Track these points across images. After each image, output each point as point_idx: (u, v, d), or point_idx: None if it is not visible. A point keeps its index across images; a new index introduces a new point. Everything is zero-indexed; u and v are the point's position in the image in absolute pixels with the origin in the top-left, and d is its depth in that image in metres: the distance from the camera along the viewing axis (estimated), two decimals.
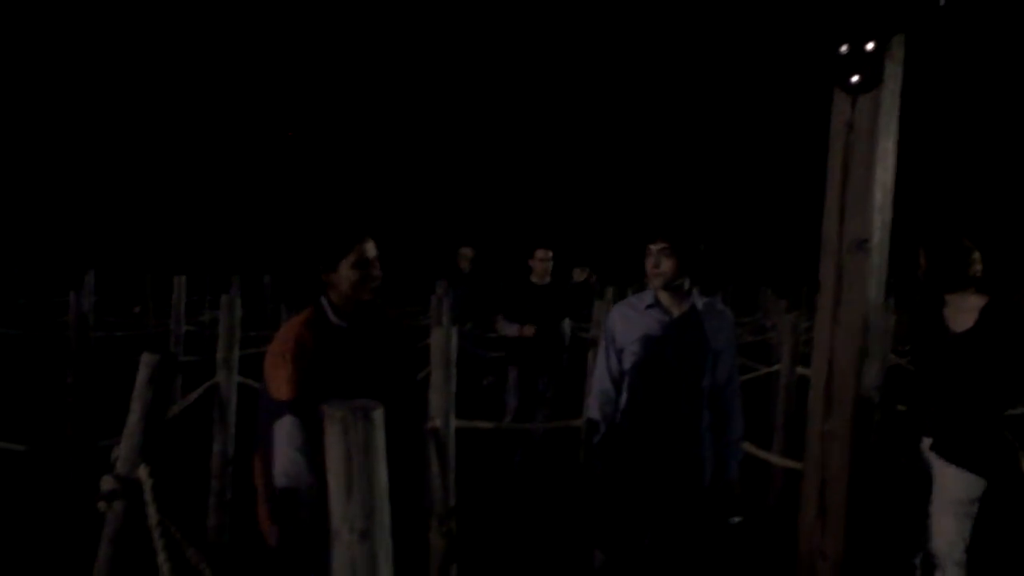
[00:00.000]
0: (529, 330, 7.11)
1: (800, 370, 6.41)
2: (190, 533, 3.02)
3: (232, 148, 31.21)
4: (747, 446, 5.85)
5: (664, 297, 3.78)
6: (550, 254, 7.42)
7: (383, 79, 32.39)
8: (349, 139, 32.60)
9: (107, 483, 2.91)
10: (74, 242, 25.76)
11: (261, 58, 30.63)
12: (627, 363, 3.77)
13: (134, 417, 2.94)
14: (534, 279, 7.41)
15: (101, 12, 28.14)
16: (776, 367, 7.47)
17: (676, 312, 3.76)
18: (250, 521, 5.60)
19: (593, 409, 3.86)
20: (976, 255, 4.01)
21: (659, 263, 3.70)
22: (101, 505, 2.97)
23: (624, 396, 3.80)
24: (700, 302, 3.80)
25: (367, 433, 1.50)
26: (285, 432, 2.70)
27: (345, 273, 2.89)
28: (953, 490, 3.92)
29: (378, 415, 1.51)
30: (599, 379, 3.86)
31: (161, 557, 2.84)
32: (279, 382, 2.74)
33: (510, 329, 7.23)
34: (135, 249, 26.92)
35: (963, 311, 4.00)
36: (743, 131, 33.53)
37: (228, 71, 30.34)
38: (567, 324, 7.51)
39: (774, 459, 6.10)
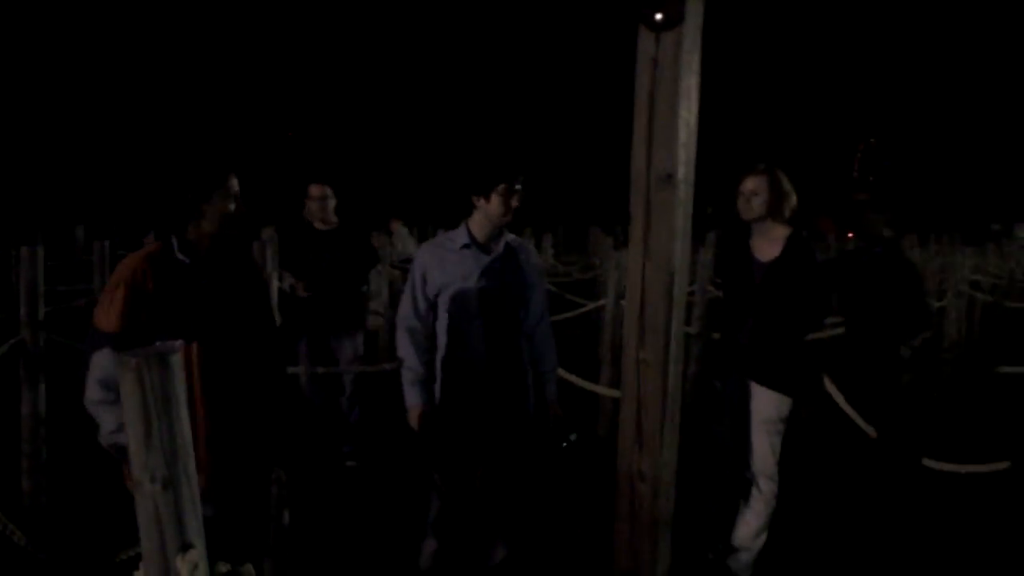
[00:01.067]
0: (301, 288, 5.88)
1: (624, 304, 6.65)
2: (2, 498, 2.85)
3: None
4: (576, 379, 6.04)
5: (484, 236, 3.79)
6: (327, 190, 6.10)
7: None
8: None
9: None
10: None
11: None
12: (445, 303, 3.77)
13: None
14: (316, 224, 6.13)
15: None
16: (602, 302, 7.71)
17: (495, 250, 3.80)
18: (68, 482, 5.36)
19: (404, 346, 3.84)
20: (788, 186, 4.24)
21: (515, 201, 3.75)
22: None
23: (443, 338, 3.81)
24: (511, 239, 3.87)
25: (164, 379, 1.44)
26: (99, 364, 2.57)
27: (217, 205, 2.77)
28: (763, 410, 4.18)
29: (175, 360, 1.45)
30: (405, 317, 3.84)
31: None
32: (105, 313, 2.60)
33: (284, 285, 5.96)
34: None
35: (769, 241, 4.24)
36: (566, 74, 34.18)
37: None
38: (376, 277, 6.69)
39: (601, 390, 6.33)
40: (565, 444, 3.83)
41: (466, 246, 3.78)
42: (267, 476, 3.01)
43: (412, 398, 3.80)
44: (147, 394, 1.43)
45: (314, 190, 6.08)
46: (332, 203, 6.12)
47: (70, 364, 2.85)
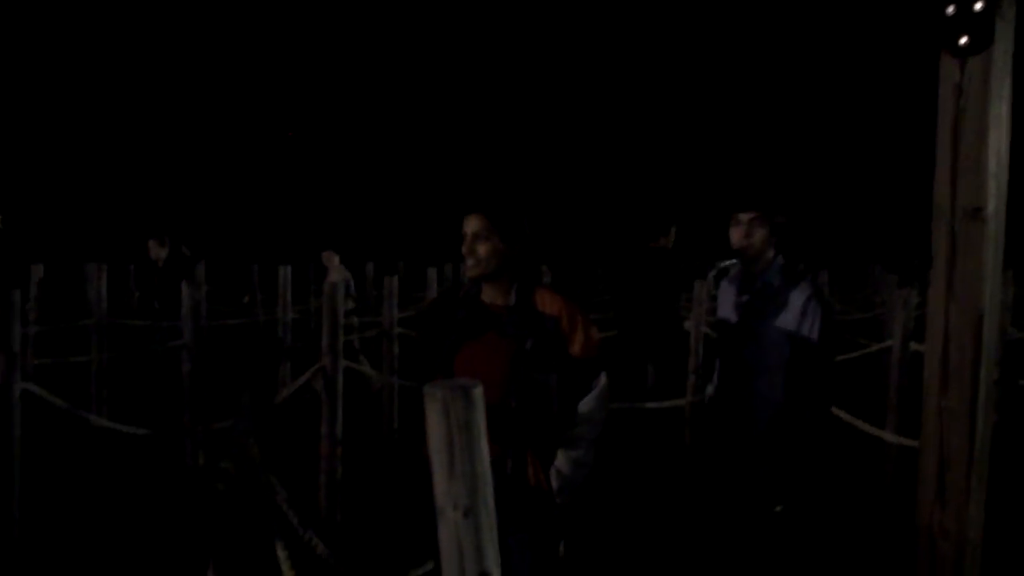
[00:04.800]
0: None
1: (914, 345, 6.20)
2: (303, 512, 3.13)
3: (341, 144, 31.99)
4: (862, 423, 5.70)
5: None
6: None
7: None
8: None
9: (223, 463, 3.04)
10: (185, 236, 26.65)
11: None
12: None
13: (246, 401, 3.06)
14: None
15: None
16: (888, 343, 7.23)
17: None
18: (360, 499, 5.78)
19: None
20: None
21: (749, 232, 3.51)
22: (219, 485, 3.10)
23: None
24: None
25: (467, 412, 1.51)
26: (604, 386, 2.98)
27: None
28: None
29: (478, 393, 1.53)
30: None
31: (275, 533, 2.95)
32: (595, 342, 2.97)
33: None
34: (240, 241, 27.81)
35: None
36: (846, 105, 32.43)
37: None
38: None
39: (888, 436, 5.94)
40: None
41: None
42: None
43: None
44: (451, 425, 1.52)
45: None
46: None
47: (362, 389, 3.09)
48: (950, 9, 2.16)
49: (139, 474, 6.33)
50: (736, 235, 3.48)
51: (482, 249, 2.93)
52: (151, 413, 7.79)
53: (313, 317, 13.38)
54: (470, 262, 2.96)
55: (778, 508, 3.43)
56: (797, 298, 3.39)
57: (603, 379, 3.02)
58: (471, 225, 2.95)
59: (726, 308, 3.58)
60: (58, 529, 5.20)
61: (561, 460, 2.93)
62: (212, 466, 2.81)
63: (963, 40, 2.16)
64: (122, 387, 8.71)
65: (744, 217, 3.45)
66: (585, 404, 2.97)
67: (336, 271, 11.25)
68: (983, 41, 2.14)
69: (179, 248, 9.42)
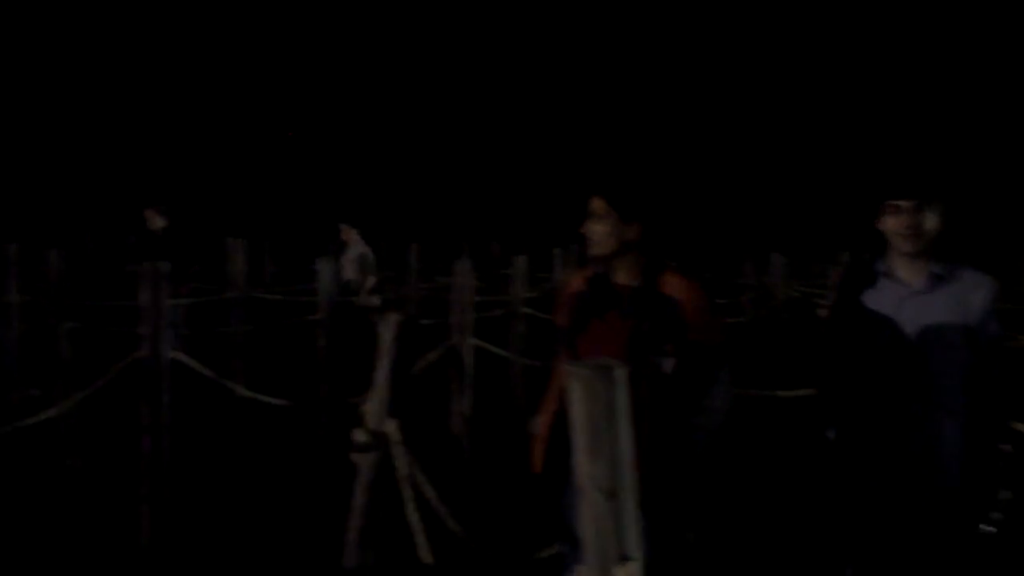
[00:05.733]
0: None
1: None
2: (434, 486, 3.17)
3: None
4: None
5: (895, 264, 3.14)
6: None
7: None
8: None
9: (359, 436, 3.12)
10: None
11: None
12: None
13: (381, 374, 3.12)
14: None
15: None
16: None
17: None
18: (488, 477, 5.83)
19: None
20: None
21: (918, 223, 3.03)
22: (354, 457, 3.18)
23: None
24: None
25: (610, 392, 1.49)
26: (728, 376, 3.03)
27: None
28: None
29: (620, 374, 1.50)
30: None
31: (410, 507, 3.01)
32: (719, 329, 3.05)
33: None
34: (373, 221, 28.45)
35: None
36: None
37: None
38: None
39: None
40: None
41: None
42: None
43: None
44: (594, 406, 1.49)
45: None
46: None
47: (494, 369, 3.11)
48: None
49: (278, 443, 6.58)
50: (900, 223, 3.03)
51: (599, 229, 2.97)
52: (287, 384, 8.08)
53: (442, 293, 13.58)
54: (590, 241, 3.01)
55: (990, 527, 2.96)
56: (974, 290, 3.03)
57: (727, 369, 2.97)
58: (592, 206, 3.01)
59: (883, 304, 3.10)
60: (202, 493, 5.47)
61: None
62: (345, 438, 2.91)
63: None
64: (259, 358, 9.07)
65: (906, 205, 3.01)
66: (708, 394, 2.93)
67: (356, 244, 11.33)
68: None
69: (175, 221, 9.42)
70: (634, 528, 1.54)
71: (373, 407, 3.11)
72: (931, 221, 3.03)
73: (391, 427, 3.06)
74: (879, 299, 3.09)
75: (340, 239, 11.61)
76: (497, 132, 32.96)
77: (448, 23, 32.21)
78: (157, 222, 9.15)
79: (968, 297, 3.05)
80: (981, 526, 2.96)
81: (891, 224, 3.05)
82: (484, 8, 32.14)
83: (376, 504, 3.10)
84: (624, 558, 1.53)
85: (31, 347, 8.22)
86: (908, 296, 3.06)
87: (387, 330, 3.05)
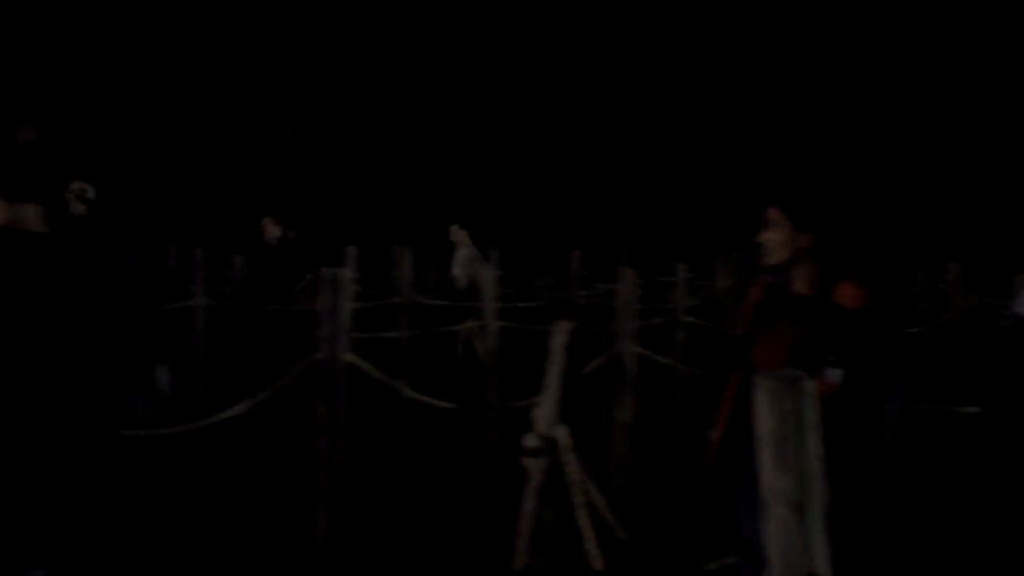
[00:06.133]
0: None
1: None
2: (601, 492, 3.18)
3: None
4: None
5: None
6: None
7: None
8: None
9: (530, 440, 3.16)
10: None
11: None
12: None
13: (552, 380, 3.16)
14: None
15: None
16: None
17: None
18: (652, 486, 5.78)
19: None
20: None
21: None
22: (524, 461, 3.23)
23: None
24: None
25: (799, 404, 1.46)
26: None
27: None
28: None
29: (809, 385, 1.47)
30: None
31: (580, 513, 3.03)
32: (890, 342, 3.02)
33: None
34: (534, 227, 28.75)
35: None
36: None
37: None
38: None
39: None
40: None
41: None
42: None
43: None
44: (782, 418, 1.47)
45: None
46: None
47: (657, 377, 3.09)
48: None
49: (444, 445, 6.77)
50: None
51: (774, 237, 2.97)
52: (451, 388, 8.29)
53: (601, 299, 13.58)
54: (765, 249, 3.02)
55: None
56: None
57: (899, 382, 2.90)
58: (768, 215, 3.02)
59: None
60: (376, 492, 5.69)
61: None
62: (513, 443, 2.97)
63: None
64: (423, 362, 9.33)
65: None
66: (879, 408, 2.87)
67: (465, 246, 11.18)
68: None
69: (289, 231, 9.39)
70: (822, 543, 1.50)
71: (543, 412, 3.15)
72: None
73: (561, 433, 3.09)
74: None
75: (449, 240, 11.67)
76: (663, 141, 32.70)
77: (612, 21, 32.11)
78: (273, 231, 9.16)
79: None
80: None
81: None
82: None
83: (545, 508, 3.14)
84: (811, 574, 1.49)
85: (214, 348, 8.75)
86: None
87: (559, 337, 3.08)
